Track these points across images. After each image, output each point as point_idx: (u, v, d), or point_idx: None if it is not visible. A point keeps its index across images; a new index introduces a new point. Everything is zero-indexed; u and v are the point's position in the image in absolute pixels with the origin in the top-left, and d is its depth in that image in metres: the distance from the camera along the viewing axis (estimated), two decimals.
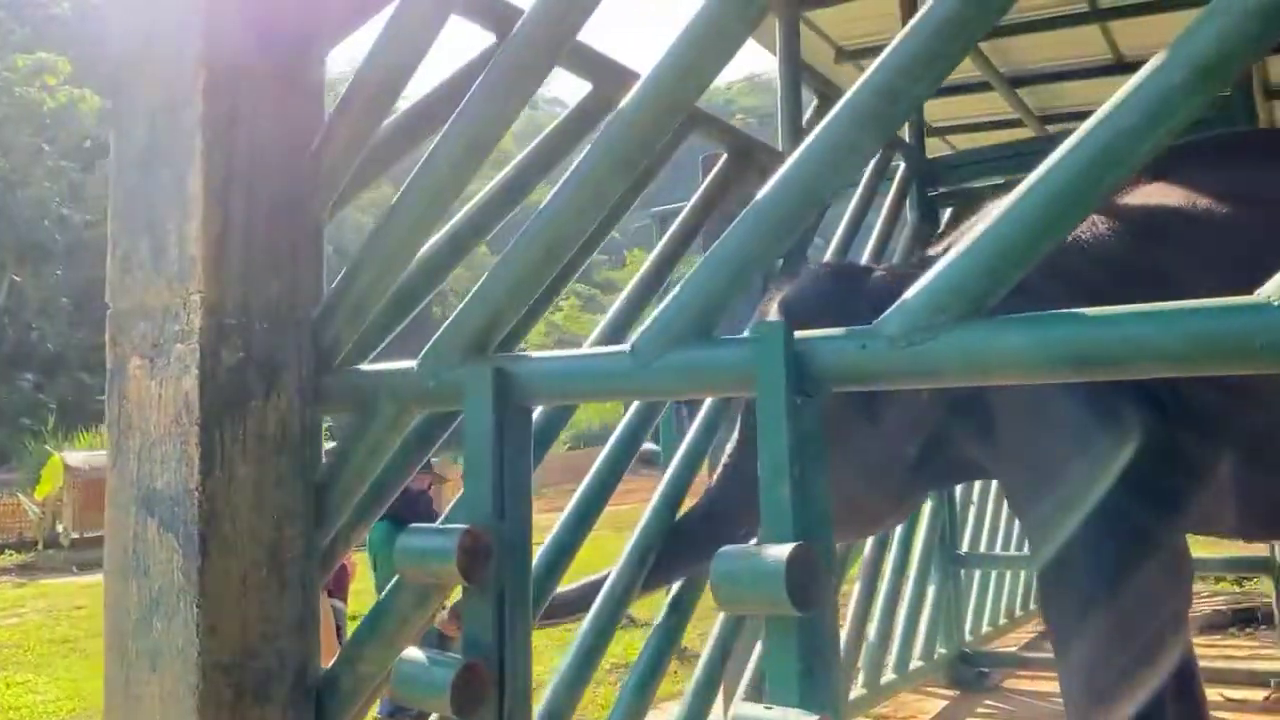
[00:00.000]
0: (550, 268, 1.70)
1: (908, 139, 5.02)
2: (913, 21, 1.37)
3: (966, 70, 6.20)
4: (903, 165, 4.75)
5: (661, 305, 1.53)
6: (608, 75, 2.72)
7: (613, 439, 2.67)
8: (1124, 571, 2.03)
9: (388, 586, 1.80)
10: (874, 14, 5.28)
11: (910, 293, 1.33)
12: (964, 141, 6.82)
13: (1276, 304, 1.09)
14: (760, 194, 1.45)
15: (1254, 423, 1.99)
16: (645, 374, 1.50)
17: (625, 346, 1.54)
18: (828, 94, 4.15)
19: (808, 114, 3.97)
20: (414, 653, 1.55)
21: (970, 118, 6.55)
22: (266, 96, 1.77)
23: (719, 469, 2.48)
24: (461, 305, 1.74)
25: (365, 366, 1.86)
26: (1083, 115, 1.19)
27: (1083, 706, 2.10)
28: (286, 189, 1.79)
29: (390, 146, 2.09)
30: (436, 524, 1.63)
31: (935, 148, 6.16)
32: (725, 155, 3.40)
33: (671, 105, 1.58)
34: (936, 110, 5.73)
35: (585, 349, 1.66)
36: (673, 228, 3.15)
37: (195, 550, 1.59)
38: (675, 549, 2.38)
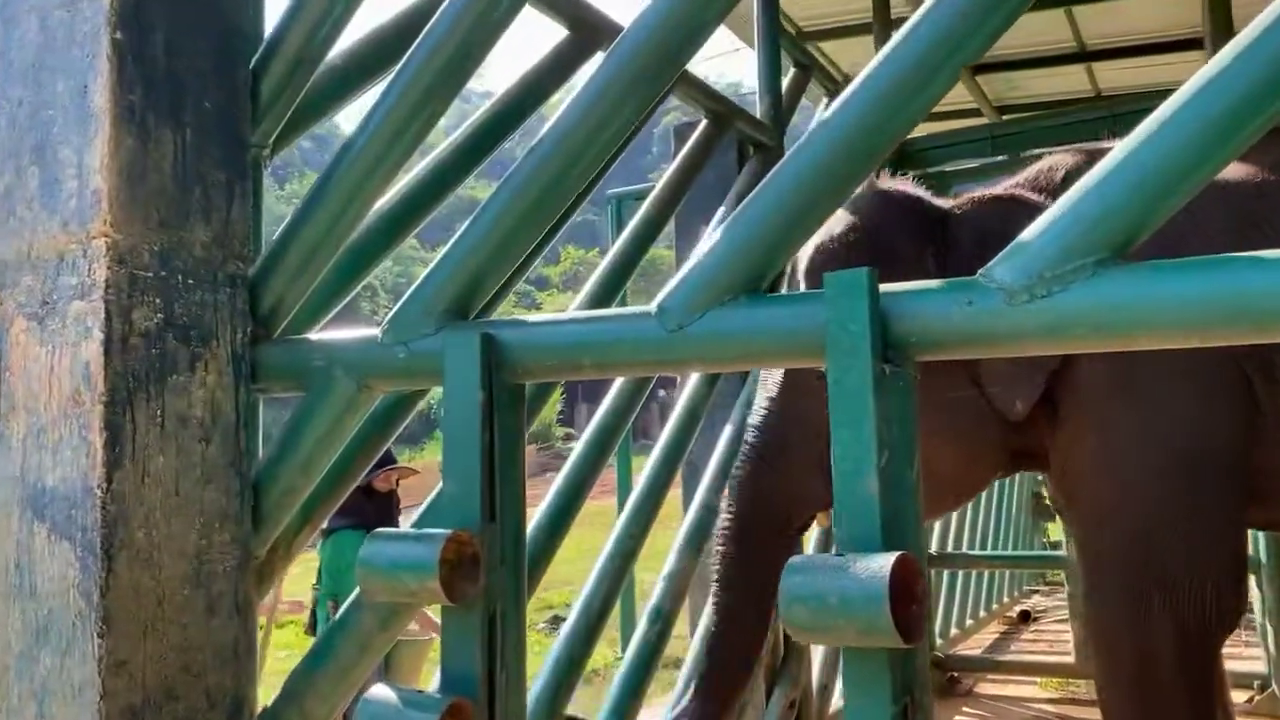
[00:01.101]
0: (541, 219, 1.38)
1: None
2: None
3: None
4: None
5: (695, 258, 1.22)
6: (585, 21, 2.42)
7: (592, 426, 2.37)
8: (1195, 559, 1.82)
9: (344, 606, 1.46)
10: None
11: (1029, 233, 1.05)
12: (923, 129, 6.68)
13: None
14: (830, 113, 1.16)
15: None
16: (678, 341, 1.19)
17: (649, 308, 1.23)
18: (805, 63, 3.89)
19: (786, 82, 3.71)
20: (382, 691, 1.22)
21: (942, 107, 6.42)
22: None
23: (745, 455, 2.23)
24: (435, 261, 1.41)
25: (314, 335, 1.53)
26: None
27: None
28: (218, 111, 1.44)
29: (346, 73, 1.75)
30: (407, 528, 1.31)
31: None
32: (705, 122, 3.12)
33: (684, 36, 1.28)
34: None
35: (594, 311, 1.36)
36: (650, 197, 2.85)
37: (98, 564, 1.24)
38: (740, 564, 2.14)
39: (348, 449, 1.59)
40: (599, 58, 2.54)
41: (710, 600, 2.19)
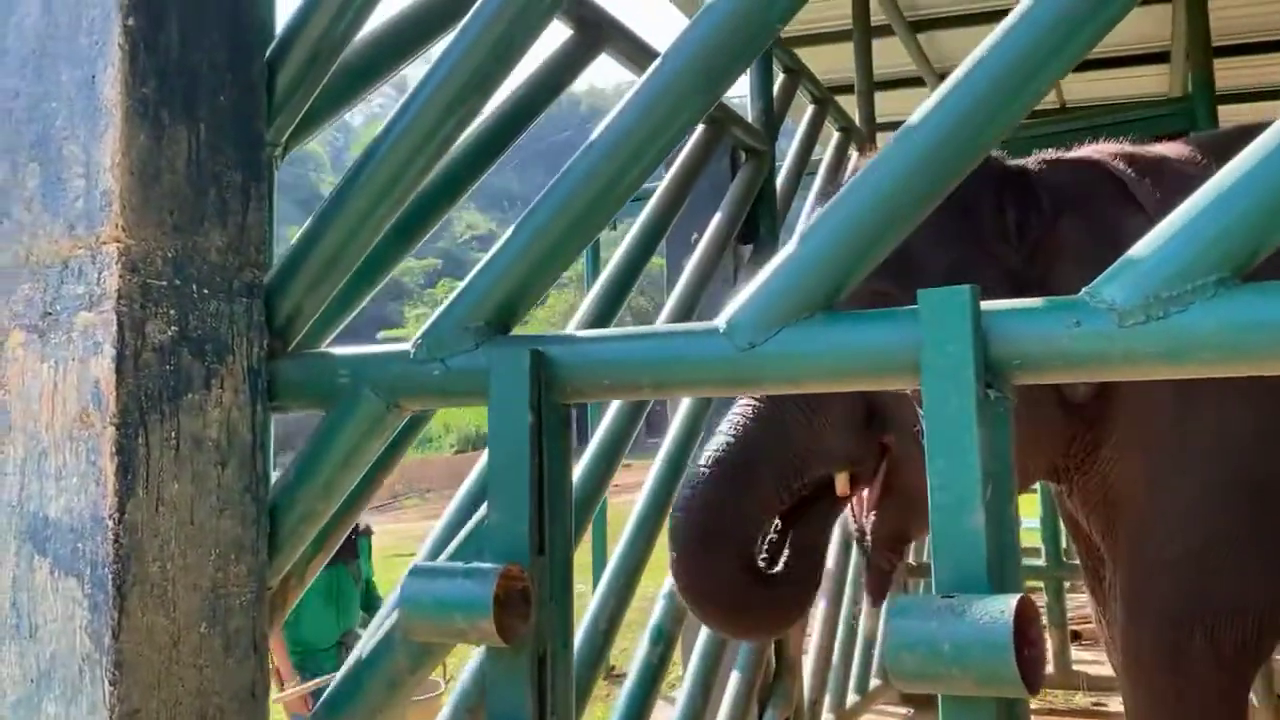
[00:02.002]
0: (589, 229, 1.30)
1: (858, 123, 4.80)
2: None
3: (908, 65, 6.06)
4: (854, 155, 4.51)
5: (767, 272, 1.14)
6: (589, 20, 2.34)
7: (596, 442, 2.27)
8: (1241, 590, 1.78)
9: (370, 642, 1.35)
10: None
11: (1138, 251, 0.98)
12: None
13: None
14: (912, 123, 1.09)
15: None
16: (751, 360, 1.11)
17: (716, 324, 1.15)
18: (793, 68, 3.84)
19: (776, 87, 3.65)
20: None
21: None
22: None
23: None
24: (474, 271, 1.32)
25: (335, 350, 1.42)
26: None
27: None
28: (233, 107, 1.33)
29: (361, 68, 1.64)
30: (452, 562, 1.20)
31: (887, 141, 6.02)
32: (702, 126, 3.04)
33: (752, 32, 1.20)
34: (887, 104, 5.52)
35: (653, 327, 1.27)
36: (651, 202, 2.76)
37: (109, 602, 1.12)
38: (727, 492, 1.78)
39: (367, 470, 1.48)
40: (603, 58, 2.48)
41: (673, 548, 1.78)
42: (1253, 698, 4.13)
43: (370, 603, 4.33)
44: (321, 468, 1.36)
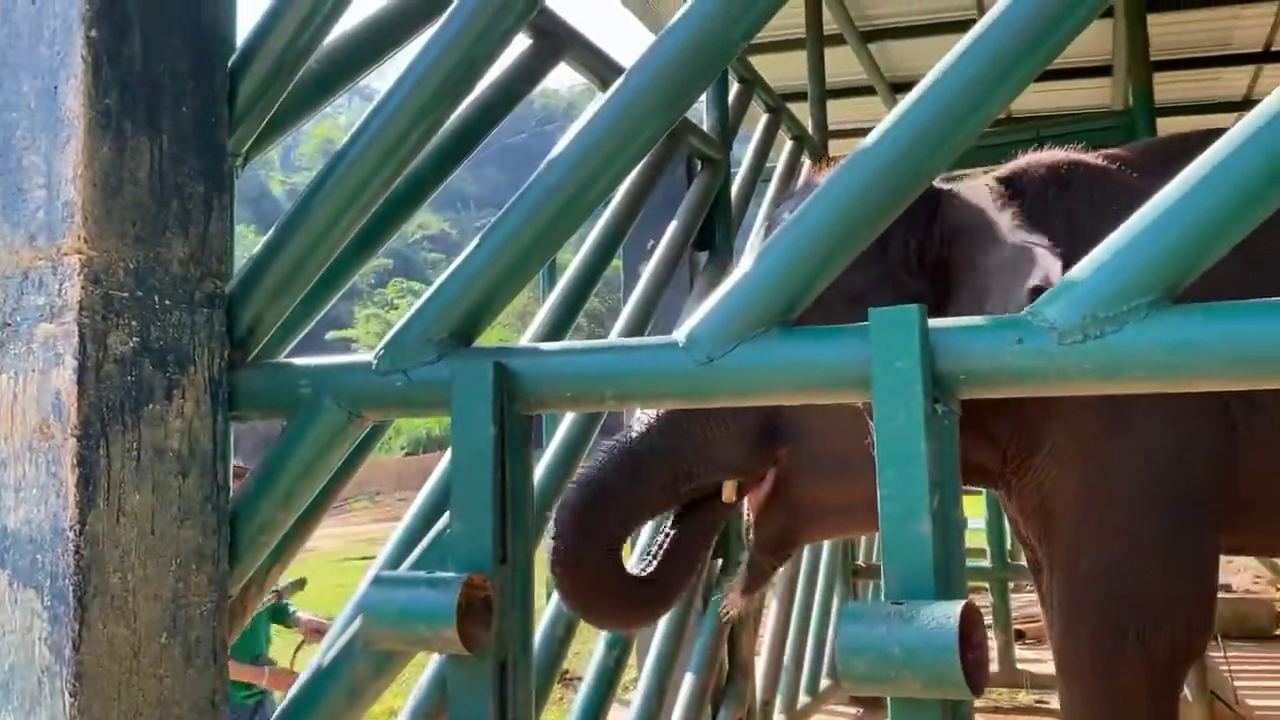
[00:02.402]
0: (553, 242, 1.32)
1: (811, 131, 4.87)
2: None
3: (860, 73, 6.16)
4: (807, 163, 4.58)
5: (725, 287, 1.18)
6: (548, 29, 2.36)
7: (555, 446, 2.30)
8: (1171, 595, 1.85)
9: (331, 650, 1.37)
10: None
11: (1077, 272, 1.04)
12: (843, 146, 6.81)
13: None
14: (862, 148, 1.13)
15: None
16: (709, 373, 1.15)
17: (676, 338, 1.18)
18: (748, 78, 3.89)
19: (731, 97, 3.70)
20: None
21: (868, 122, 6.54)
22: None
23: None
24: (437, 283, 1.34)
25: (297, 360, 1.43)
26: None
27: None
28: (195, 117, 1.33)
29: (324, 77, 1.65)
30: (412, 569, 1.22)
31: (838, 148, 6.12)
32: None
33: (715, 51, 1.24)
34: (839, 113, 5.61)
35: (613, 340, 1.30)
36: (609, 210, 2.79)
37: (69, 614, 1.12)
38: (619, 479, 1.86)
39: (328, 479, 1.49)
40: (562, 66, 2.51)
41: (560, 514, 1.83)
42: (1186, 694, 4.28)
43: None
44: (282, 477, 1.37)
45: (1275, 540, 2.10)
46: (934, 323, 1.06)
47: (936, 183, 2.11)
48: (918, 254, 1.95)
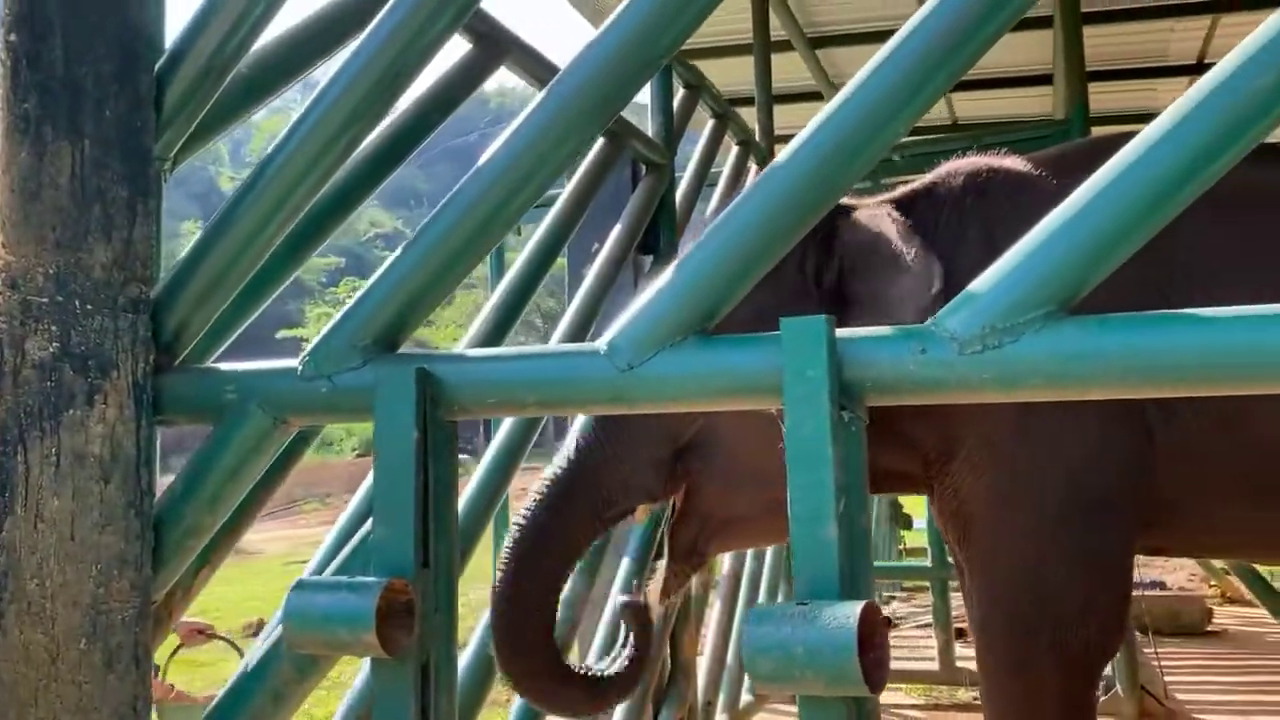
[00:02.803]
0: (479, 249, 1.34)
1: (758, 136, 4.92)
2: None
3: (807, 79, 6.24)
4: (753, 168, 4.63)
5: (646, 296, 1.21)
6: (488, 35, 2.37)
7: (492, 452, 2.31)
8: (1084, 597, 1.90)
9: (257, 653, 1.37)
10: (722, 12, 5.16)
11: (978, 284, 1.08)
12: None
13: None
14: (784, 156, 1.17)
15: (1242, 454, 1.90)
16: (629, 380, 1.17)
17: (598, 345, 1.21)
18: (693, 84, 3.92)
19: (676, 102, 3.74)
20: None
21: None
22: None
23: (587, 429, 2.07)
24: (363, 290, 1.35)
25: (222, 365, 1.43)
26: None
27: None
28: (119, 121, 1.33)
29: (253, 82, 1.65)
30: (336, 574, 1.23)
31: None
32: (601, 140, 3.10)
33: (648, 56, 1.27)
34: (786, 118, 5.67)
35: (536, 347, 1.31)
36: (550, 215, 2.81)
37: None
38: (551, 518, 1.95)
39: (254, 485, 1.49)
40: (503, 71, 2.52)
41: (506, 549, 1.92)
42: (1118, 689, 4.40)
43: None
44: (208, 482, 1.37)
45: (1193, 542, 2.17)
46: (842, 333, 1.10)
47: (843, 201, 2.17)
48: (815, 277, 2.01)
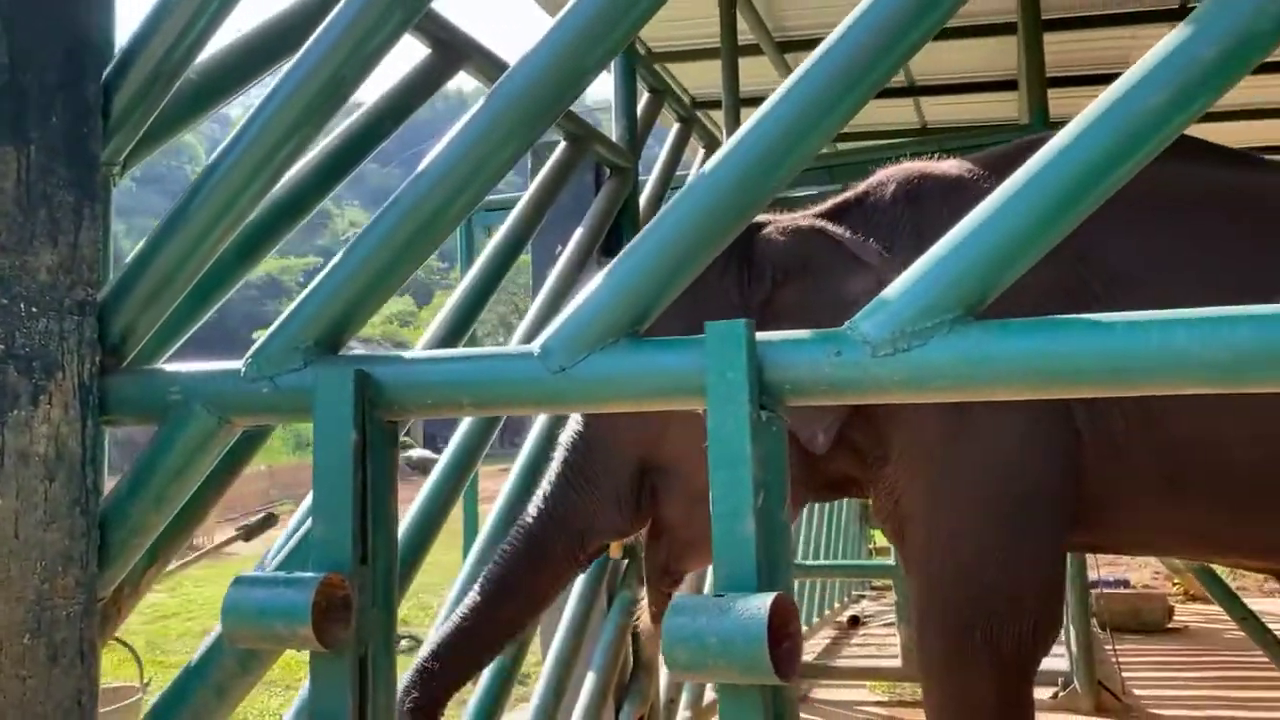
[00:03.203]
0: (419, 252, 1.37)
1: (723, 140, 4.98)
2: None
3: (777, 81, 6.29)
4: None
5: (578, 300, 1.25)
6: (446, 40, 2.41)
7: (450, 452, 2.35)
8: (1017, 594, 1.96)
9: (201, 648, 1.40)
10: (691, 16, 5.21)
11: (891, 290, 1.12)
12: None
13: None
14: (708, 167, 1.21)
15: (1165, 453, 1.96)
16: (561, 382, 1.21)
17: (531, 348, 1.24)
18: (658, 88, 3.97)
19: (641, 106, 3.78)
20: None
21: None
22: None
23: (552, 472, 2.19)
24: (304, 294, 1.38)
25: (167, 366, 1.46)
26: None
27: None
28: (66, 128, 1.36)
29: (202, 88, 1.67)
30: (273, 570, 1.27)
31: None
32: (563, 143, 3.14)
33: (569, 80, 1.30)
34: None
35: (473, 350, 1.35)
36: (510, 218, 2.85)
37: None
38: (524, 568, 2.07)
39: (200, 485, 1.52)
40: (461, 75, 2.55)
41: (474, 593, 2.03)
42: (1076, 685, 4.48)
43: None
44: (153, 481, 1.40)
45: (1124, 538, 2.23)
46: (762, 336, 1.14)
47: (772, 216, 2.24)
48: (741, 288, 2.06)
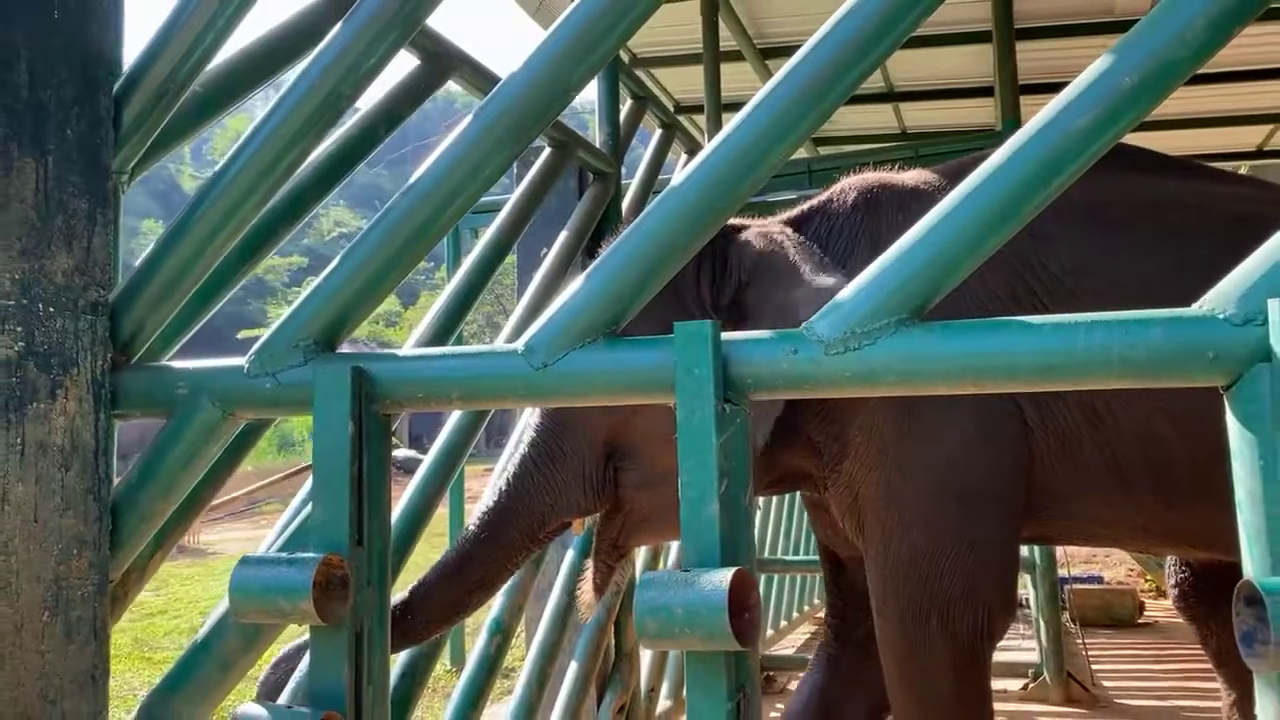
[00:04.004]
0: (411, 258, 1.47)
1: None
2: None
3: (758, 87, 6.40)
4: None
5: (560, 301, 1.35)
6: (436, 52, 2.50)
7: (436, 449, 2.45)
8: (971, 583, 2.06)
9: (205, 627, 1.50)
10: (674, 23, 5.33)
11: (845, 294, 1.23)
12: None
13: (1222, 316, 1.08)
14: (682, 176, 1.31)
15: (1106, 447, 2.08)
16: (543, 378, 1.32)
17: (516, 346, 1.35)
18: (642, 94, 4.08)
19: (624, 112, 3.88)
20: (254, 709, 1.28)
21: None
22: (53, 18, 1.43)
23: (520, 454, 2.26)
24: (304, 294, 1.48)
25: (175, 363, 1.55)
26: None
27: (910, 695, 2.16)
28: (80, 140, 1.45)
29: (206, 100, 1.77)
30: (276, 551, 1.36)
31: None
32: (547, 149, 3.24)
33: (566, 80, 1.41)
34: None
35: (461, 348, 1.45)
36: (495, 223, 2.95)
37: None
38: (486, 556, 2.14)
39: (205, 474, 1.62)
40: (450, 85, 2.65)
41: (444, 558, 2.12)
42: (1046, 677, 4.60)
43: None
44: (161, 471, 1.50)
45: (1073, 529, 2.32)
46: (727, 336, 1.25)
47: (740, 221, 2.35)
48: (712, 291, 2.17)
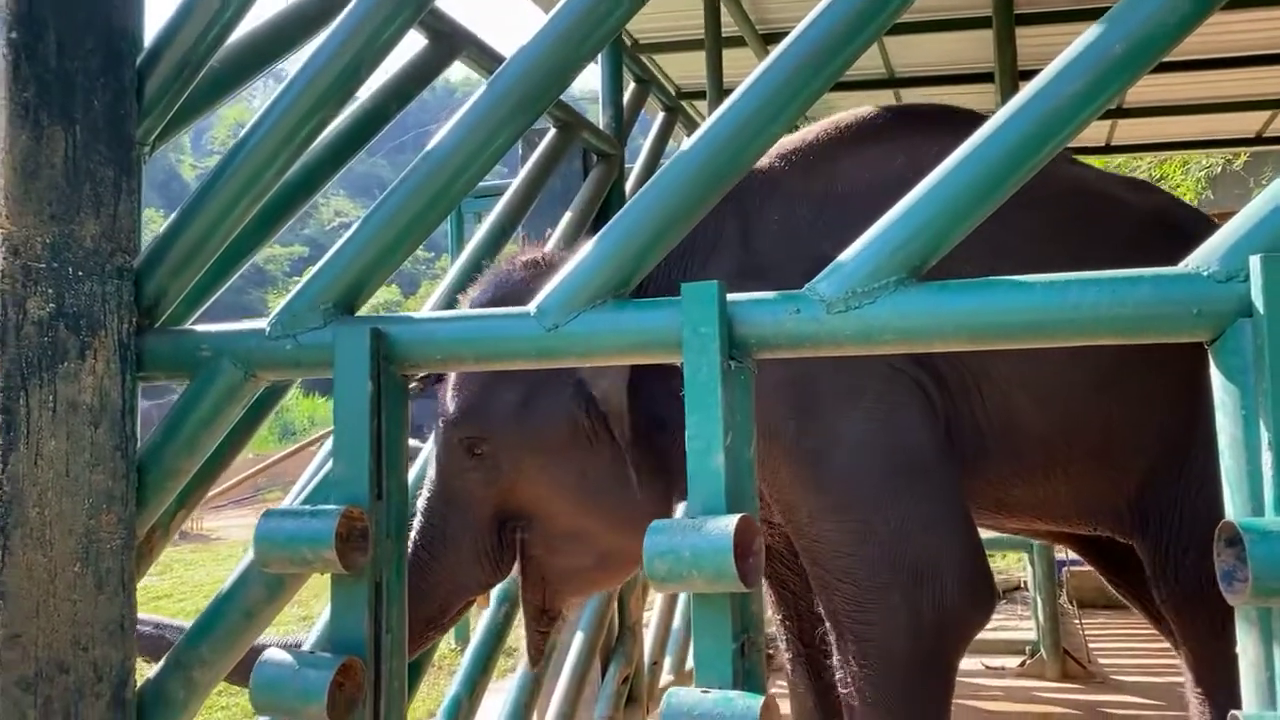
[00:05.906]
0: (426, 225, 1.52)
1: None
2: None
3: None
4: None
5: (570, 265, 1.40)
6: (444, 32, 2.55)
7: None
8: (927, 552, 1.98)
9: (230, 578, 1.55)
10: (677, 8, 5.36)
11: (845, 255, 1.28)
12: None
13: (1206, 273, 1.14)
14: (687, 145, 1.37)
15: (975, 425, 2.08)
16: (554, 339, 1.37)
17: (528, 309, 1.40)
18: (644, 78, 4.12)
19: (627, 95, 3.93)
20: (278, 654, 1.33)
21: None
22: None
23: (412, 544, 2.07)
24: (325, 259, 1.53)
25: (199, 326, 1.61)
26: None
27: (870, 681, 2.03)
28: (105, 110, 1.50)
29: (226, 73, 1.82)
30: (298, 504, 1.42)
31: None
32: (552, 131, 3.29)
33: (571, 57, 1.46)
34: None
35: (475, 310, 1.50)
36: (500, 204, 3.00)
37: None
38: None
39: (227, 434, 1.67)
40: (458, 65, 2.70)
41: None
42: (1043, 654, 4.67)
43: None
44: (185, 430, 1.55)
45: (976, 508, 2.19)
46: (732, 296, 1.30)
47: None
48: (682, 269, 2.16)
